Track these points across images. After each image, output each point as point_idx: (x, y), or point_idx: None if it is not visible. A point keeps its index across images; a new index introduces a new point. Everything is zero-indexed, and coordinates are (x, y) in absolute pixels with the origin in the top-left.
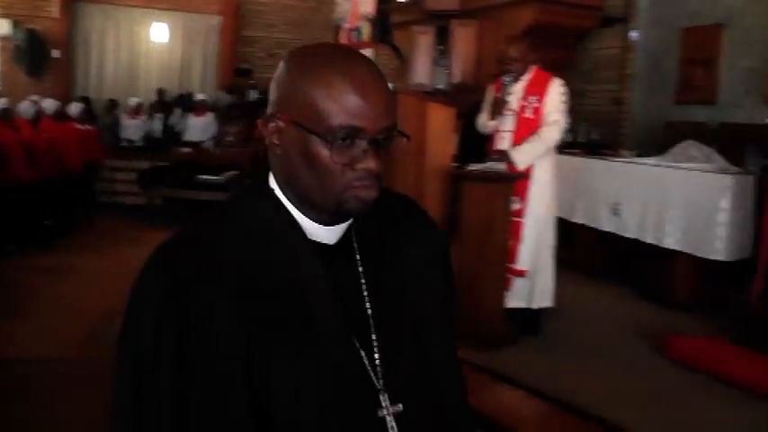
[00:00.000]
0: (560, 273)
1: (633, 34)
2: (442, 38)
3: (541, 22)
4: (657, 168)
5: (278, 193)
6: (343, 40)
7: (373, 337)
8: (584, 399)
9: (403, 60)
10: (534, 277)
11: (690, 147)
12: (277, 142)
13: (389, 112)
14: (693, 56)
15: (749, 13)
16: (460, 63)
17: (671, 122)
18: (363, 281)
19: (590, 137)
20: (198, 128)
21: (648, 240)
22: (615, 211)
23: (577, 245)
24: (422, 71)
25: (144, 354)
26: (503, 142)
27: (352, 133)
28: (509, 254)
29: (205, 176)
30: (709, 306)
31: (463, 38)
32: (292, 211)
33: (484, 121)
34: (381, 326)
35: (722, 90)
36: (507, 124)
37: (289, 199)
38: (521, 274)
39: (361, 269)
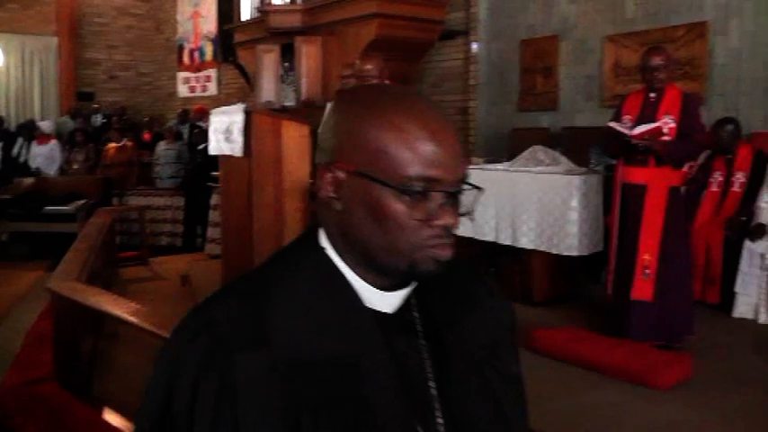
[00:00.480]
0: None
1: (475, 46)
2: (287, 55)
3: (384, 36)
4: (508, 173)
5: (331, 252)
6: (185, 60)
7: (439, 421)
8: None
9: (248, 80)
10: None
11: (537, 151)
12: (335, 195)
13: (463, 161)
14: (533, 65)
15: (581, 25)
16: (307, 80)
17: (517, 129)
18: (426, 357)
19: None
20: (42, 156)
21: (505, 242)
22: (470, 217)
23: None
24: (269, 90)
25: (173, 427)
26: None
27: (429, 185)
28: None
29: (52, 207)
30: (568, 300)
31: (308, 55)
32: (347, 275)
33: None
34: (449, 409)
35: (562, 96)
36: None
37: (344, 259)
38: None
39: (423, 343)
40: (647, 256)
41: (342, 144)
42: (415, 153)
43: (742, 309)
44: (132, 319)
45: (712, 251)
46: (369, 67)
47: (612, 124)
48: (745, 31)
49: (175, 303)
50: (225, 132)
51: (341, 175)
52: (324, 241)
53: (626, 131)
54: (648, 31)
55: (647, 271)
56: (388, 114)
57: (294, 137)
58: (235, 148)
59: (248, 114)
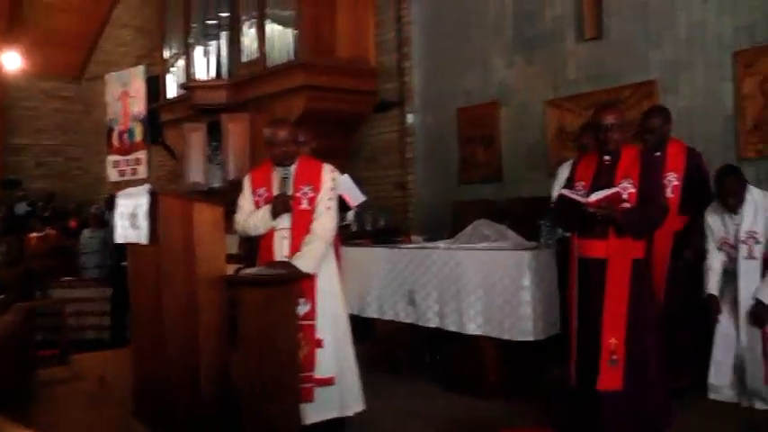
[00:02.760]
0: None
1: (410, 117)
2: (215, 134)
3: (314, 109)
4: (450, 251)
5: None
6: (115, 143)
7: None
8: None
9: (177, 160)
10: (342, 382)
11: (481, 226)
12: None
13: None
14: (473, 134)
15: (521, 90)
16: (234, 158)
17: (458, 202)
18: None
19: (377, 224)
20: None
21: (450, 328)
22: (411, 301)
23: (377, 341)
24: (196, 170)
25: None
26: (283, 242)
27: None
28: (307, 363)
29: None
30: (526, 389)
31: (234, 132)
32: None
33: (256, 222)
34: None
35: (506, 166)
36: (284, 221)
37: None
38: (327, 382)
39: None
40: (614, 339)
41: None
42: None
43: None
44: None
45: None
46: (282, 134)
47: (565, 192)
48: (696, 88)
49: (89, 409)
50: (130, 217)
51: None
52: None
53: (581, 199)
54: (592, 93)
55: (615, 357)
56: None
57: (207, 220)
58: (140, 234)
59: (154, 197)
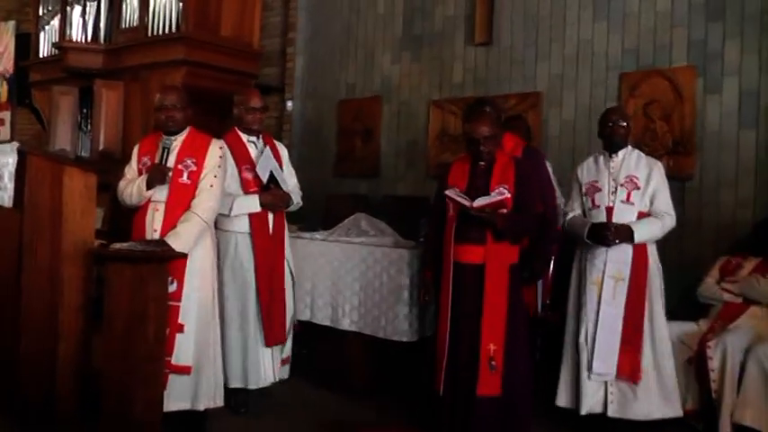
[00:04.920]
0: None
1: (290, 104)
2: (87, 101)
3: (192, 85)
4: (328, 243)
5: None
6: None
7: None
8: None
9: (44, 125)
10: (199, 373)
11: (361, 220)
12: None
13: None
14: (352, 127)
15: (405, 88)
16: (105, 128)
17: (333, 195)
18: None
19: None
20: None
21: (323, 322)
22: None
23: None
24: (64, 137)
25: None
26: (155, 215)
27: None
28: (166, 347)
29: None
30: (390, 389)
31: (108, 100)
32: None
33: (132, 191)
34: None
35: (384, 162)
36: (159, 193)
37: None
38: (183, 370)
39: None
40: (493, 345)
41: None
42: None
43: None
44: None
45: None
46: (170, 99)
47: (451, 194)
48: (580, 102)
49: None
50: None
51: None
52: None
53: (466, 203)
54: (478, 98)
55: (494, 362)
56: None
57: (78, 188)
58: (4, 196)
59: (22, 156)
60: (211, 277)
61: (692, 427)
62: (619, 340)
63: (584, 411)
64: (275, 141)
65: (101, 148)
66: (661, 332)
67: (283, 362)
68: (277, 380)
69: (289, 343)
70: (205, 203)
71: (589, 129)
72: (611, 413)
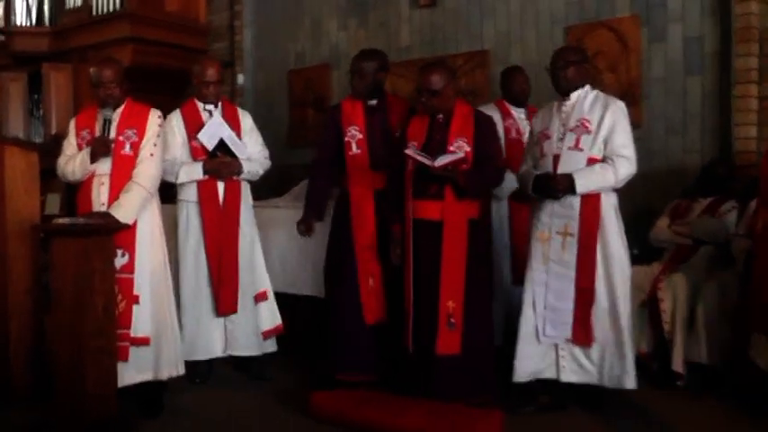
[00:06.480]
0: None
1: (240, 78)
2: (36, 85)
3: (140, 63)
4: (282, 210)
5: None
6: None
7: None
8: None
9: None
10: (158, 343)
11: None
12: None
13: None
14: (304, 97)
15: (353, 53)
16: (57, 111)
17: (287, 166)
18: None
19: None
20: None
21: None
22: None
23: None
24: (15, 124)
25: None
26: (101, 189)
27: None
28: (123, 319)
29: None
30: None
31: (57, 83)
32: None
33: (75, 166)
34: None
35: None
36: (103, 166)
37: None
38: (142, 342)
39: None
40: (452, 302)
41: None
42: None
43: None
44: None
45: None
46: (106, 74)
47: (410, 152)
48: (527, 59)
49: None
50: None
51: None
52: None
53: (428, 162)
54: (425, 60)
55: (453, 320)
56: None
57: (20, 166)
58: None
59: None
60: (161, 245)
61: (647, 368)
62: (572, 304)
63: (522, 378)
64: (239, 109)
65: (53, 132)
66: (620, 296)
67: (267, 333)
68: (226, 354)
69: (268, 314)
70: (146, 172)
71: (536, 84)
72: (564, 378)
